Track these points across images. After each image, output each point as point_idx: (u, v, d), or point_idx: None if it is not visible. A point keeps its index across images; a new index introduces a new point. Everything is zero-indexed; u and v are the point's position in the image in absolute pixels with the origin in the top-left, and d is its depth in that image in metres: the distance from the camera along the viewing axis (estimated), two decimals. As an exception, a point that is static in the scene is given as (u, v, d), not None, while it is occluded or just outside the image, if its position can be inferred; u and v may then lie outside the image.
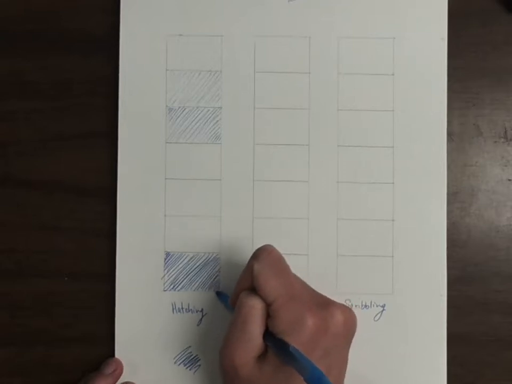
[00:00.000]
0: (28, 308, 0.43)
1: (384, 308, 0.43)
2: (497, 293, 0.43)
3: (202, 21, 0.44)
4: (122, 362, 0.43)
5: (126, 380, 0.43)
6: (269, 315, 0.37)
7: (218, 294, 0.43)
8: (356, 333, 0.39)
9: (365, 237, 0.43)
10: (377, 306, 0.43)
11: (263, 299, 0.37)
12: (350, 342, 0.39)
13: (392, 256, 0.43)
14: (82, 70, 0.44)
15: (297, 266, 0.41)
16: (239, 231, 0.43)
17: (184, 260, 0.43)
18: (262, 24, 0.44)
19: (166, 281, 0.43)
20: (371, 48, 0.44)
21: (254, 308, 0.37)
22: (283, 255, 0.39)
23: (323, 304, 0.38)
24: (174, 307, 0.43)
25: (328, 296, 0.39)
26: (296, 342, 0.35)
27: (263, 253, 0.38)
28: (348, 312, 0.38)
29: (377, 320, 0.43)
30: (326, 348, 0.36)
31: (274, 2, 0.44)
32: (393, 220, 0.43)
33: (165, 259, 0.43)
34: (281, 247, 0.41)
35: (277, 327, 0.36)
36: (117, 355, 0.43)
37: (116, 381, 0.42)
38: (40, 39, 0.44)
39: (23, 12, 0.44)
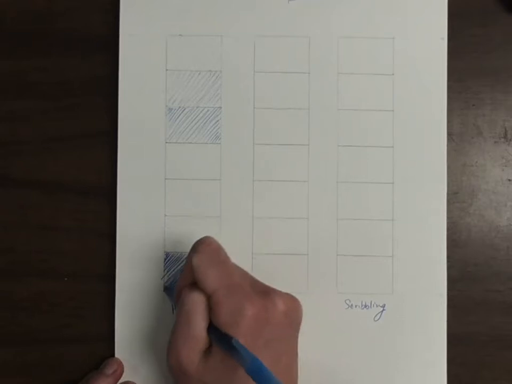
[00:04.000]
0: (27, 308, 0.44)
1: (384, 308, 0.43)
2: (497, 293, 0.43)
3: (202, 21, 0.44)
4: (123, 363, 0.43)
5: (126, 380, 0.43)
6: (210, 307, 0.37)
7: (166, 288, 0.43)
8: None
9: (365, 237, 0.43)
10: (377, 306, 0.43)
11: (204, 291, 0.37)
12: (297, 330, 0.38)
13: (392, 256, 0.43)
14: (82, 70, 0.44)
15: (297, 266, 0.41)
16: (239, 231, 0.43)
17: (184, 260, 0.43)
18: (262, 24, 0.44)
19: (166, 281, 0.43)
20: (371, 48, 0.44)
21: (196, 302, 0.37)
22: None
23: (264, 293, 0.37)
24: (174, 307, 0.43)
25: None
26: (237, 333, 0.35)
27: (201, 245, 0.38)
28: (290, 301, 0.37)
29: (377, 320, 0.43)
30: (269, 338, 0.36)
31: (274, 2, 0.44)
32: (393, 220, 0.43)
33: (165, 259, 0.43)
34: (281, 247, 0.42)
35: (218, 319, 0.36)
36: (117, 355, 0.43)
37: (117, 381, 0.42)
38: (40, 39, 0.44)
39: (23, 12, 0.44)
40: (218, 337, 0.36)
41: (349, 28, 0.44)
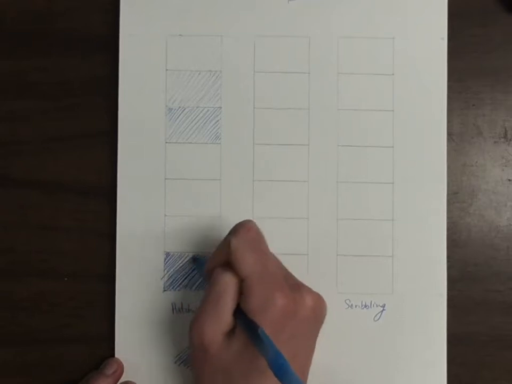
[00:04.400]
0: (27, 308, 0.43)
1: (384, 308, 0.43)
2: (497, 293, 0.43)
3: (202, 21, 0.44)
4: (123, 363, 0.43)
5: (126, 380, 0.43)
6: (241, 292, 0.37)
7: (195, 259, 0.43)
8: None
9: (365, 237, 0.43)
10: (377, 306, 0.43)
11: (237, 274, 0.37)
12: (318, 330, 0.39)
13: (392, 256, 0.43)
14: (82, 70, 0.44)
15: (297, 266, 0.41)
16: (239, 231, 0.43)
17: (184, 260, 0.43)
18: (261, 24, 0.44)
19: (166, 282, 0.43)
20: (371, 48, 0.44)
21: (228, 283, 0.37)
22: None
23: (295, 287, 0.37)
24: (174, 307, 0.43)
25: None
26: (264, 321, 0.35)
27: (242, 228, 0.38)
28: (318, 299, 0.38)
29: (377, 320, 0.43)
30: (293, 332, 0.36)
31: (274, 2, 0.44)
32: (393, 220, 0.43)
33: (165, 259, 0.43)
34: (281, 247, 0.42)
35: (247, 304, 0.36)
36: (117, 355, 0.43)
37: (117, 381, 0.42)
38: (40, 39, 0.44)
39: (23, 11, 0.44)
40: (244, 323, 0.36)
41: (349, 28, 0.44)
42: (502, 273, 0.43)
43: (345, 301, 0.43)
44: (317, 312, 0.38)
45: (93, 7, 0.44)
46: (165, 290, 0.43)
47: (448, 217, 0.43)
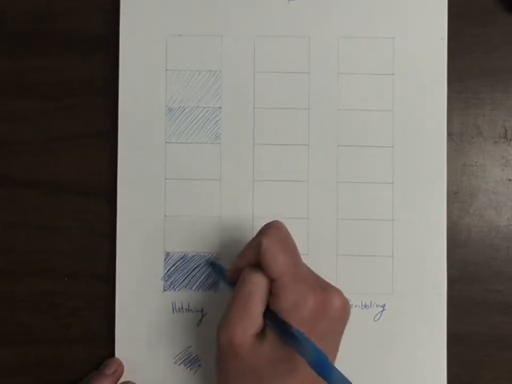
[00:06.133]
0: (27, 308, 0.44)
1: (384, 308, 0.43)
2: (497, 293, 0.43)
3: (202, 21, 0.44)
4: (123, 363, 0.43)
5: (126, 380, 0.43)
6: (271, 292, 0.37)
7: (213, 264, 0.43)
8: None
9: (365, 237, 0.43)
10: (377, 306, 0.43)
11: (268, 275, 0.37)
12: (343, 331, 0.38)
13: (392, 256, 0.43)
14: (82, 70, 0.44)
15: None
16: (239, 231, 0.43)
17: (184, 260, 0.43)
18: (262, 24, 0.44)
19: (166, 281, 0.43)
20: (371, 48, 0.44)
21: (258, 284, 0.37)
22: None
23: (324, 287, 0.37)
24: (174, 307, 0.43)
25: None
26: (296, 322, 0.35)
27: (271, 229, 0.38)
28: (344, 299, 0.37)
29: (377, 320, 0.43)
30: (322, 332, 0.36)
31: (274, 2, 0.44)
32: (393, 220, 0.43)
33: (165, 259, 0.43)
34: (281, 247, 0.41)
35: (278, 305, 0.36)
36: (117, 355, 0.43)
37: (117, 381, 0.42)
38: (40, 39, 0.44)
39: (23, 12, 0.44)
40: (274, 324, 0.36)
41: (349, 28, 0.44)
42: (502, 273, 0.43)
43: (345, 301, 0.43)
44: (344, 313, 0.37)
45: (93, 7, 0.44)
46: (165, 290, 0.43)
47: (448, 217, 0.43)
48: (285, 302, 0.36)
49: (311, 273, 0.38)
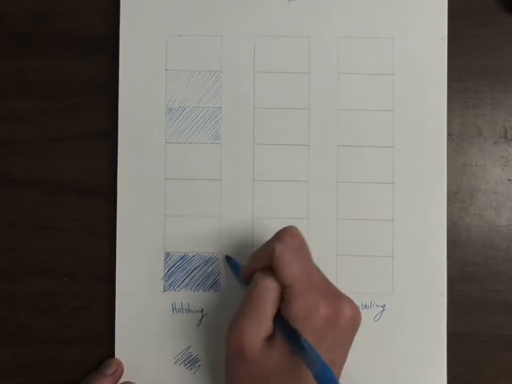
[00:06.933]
0: (27, 308, 0.44)
1: (384, 308, 0.43)
2: (497, 293, 0.43)
3: (202, 21, 0.44)
4: (123, 363, 0.43)
5: (126, 380, 0.43)
6: (283, 298, 0.37)
7: (228, 259, 0.43)
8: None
9: (365, 237, 0.43)
10: (377, 306, 0.43)
11: (280, 282, 0.36)
12: (352, 340, 0.38)
13: (392, 256, 0.43)
14: (82, 70, 0.44)
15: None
16: (239, 231, 0.43)
17: (184, 260, 0.43)
18: (262, 24, 0.44)
19: (166, 281, 0.43)
20: (371, 48, 0.44)
21: (270, 289, 0.37)
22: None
23: (336, 296, 0.37)
24: (174, 307, 0.43)
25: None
26: (306, 330, 0.35)
27: (286, 235, 0.37)
28: (356, 308, 0.37)
29: (377, 320, 0.43)
30: (332, 342, 0.36)
31: (274, 2, 0.44)
32: (393, 220, 0.43)
33: (165, 259, 0.43)
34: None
35: (290, 312, 0.36)
36: (117, 355, 0.43)
37: (117, 381, 0.42)
38: (40, 39, 0.44)
39: (23, 12, 0.44)
40: (284, 330, 0.36)
41: (349, 28, 0.44)
42: (502, 273, 0.43)
43: (345, 301, 0.43)
44: (355, 322, 0.37)
45: (93, 7, 0.44)
46: (165, 290, 0.43)
47: (448, 217, 0.43)
48: (296, 310, 0.36)
49: (324, 280, 0.38)
